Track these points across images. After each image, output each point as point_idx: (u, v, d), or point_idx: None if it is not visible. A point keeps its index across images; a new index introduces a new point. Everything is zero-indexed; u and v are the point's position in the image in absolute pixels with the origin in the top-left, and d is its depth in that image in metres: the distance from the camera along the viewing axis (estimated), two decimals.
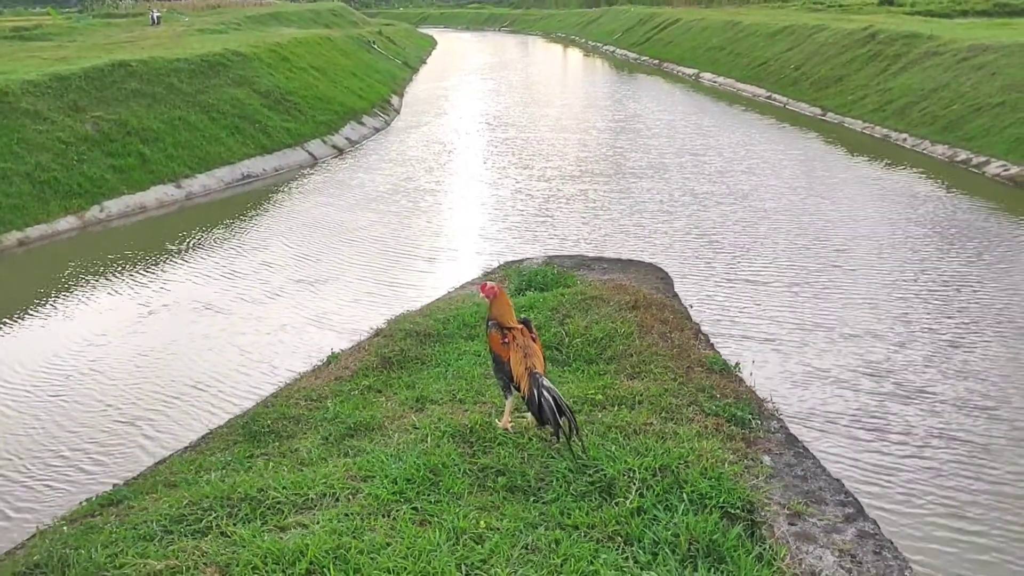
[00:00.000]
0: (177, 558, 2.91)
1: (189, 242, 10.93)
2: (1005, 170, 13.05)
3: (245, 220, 12.20)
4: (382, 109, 21.87)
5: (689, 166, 14.74)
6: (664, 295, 5.65)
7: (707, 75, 28.76)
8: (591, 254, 8.47)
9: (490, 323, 3.78)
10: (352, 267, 9.56)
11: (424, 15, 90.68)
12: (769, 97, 23.09)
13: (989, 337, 6.85)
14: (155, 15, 28.61)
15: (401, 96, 25.59)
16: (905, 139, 16.06)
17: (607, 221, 11.16)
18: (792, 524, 3.19)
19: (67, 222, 11.48)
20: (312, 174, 15.19)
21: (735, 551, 3.00)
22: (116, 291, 9.08)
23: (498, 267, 6.78)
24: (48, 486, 5.13)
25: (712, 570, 2.92)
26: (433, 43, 50.36)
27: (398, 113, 22.52)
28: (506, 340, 3.72)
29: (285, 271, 9.49)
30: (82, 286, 9.27)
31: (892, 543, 3.14)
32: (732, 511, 3.23)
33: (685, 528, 3.08)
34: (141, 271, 9.74)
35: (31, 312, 8.54)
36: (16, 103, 13.00)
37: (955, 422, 5.40)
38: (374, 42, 31.57)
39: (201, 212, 12.83)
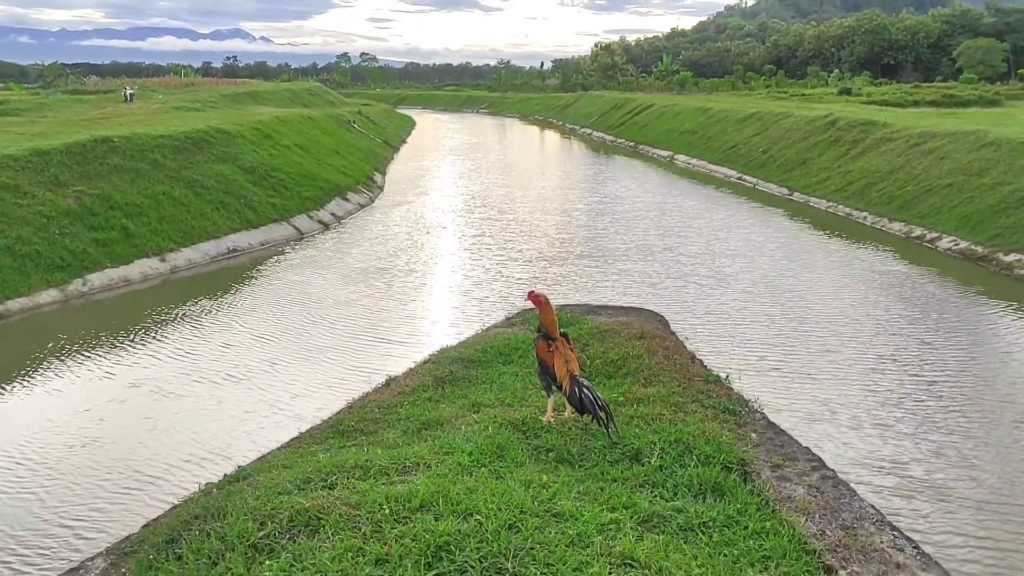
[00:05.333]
0: (317, 501, 4.17)
1: (166, 318, 11.43)
2: (955, 244, 15.34)
3: (226, 296, 12.80)
4: (366, 186, 23.67)
5: (675, 248, 15.93)
6: (663, 332, 7.24)
7: (681, 157, 31.69)
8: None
9: (539, 333, 5.24)
10: (328, 349, 10.08)
11: (402, 96, 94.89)
12: (740, 178, 25.77)
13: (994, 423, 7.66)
14: (128, 92, 30.55)
15: (384, 174, 27.58)
16: (865, 217, 18.44)
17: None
18: (773, 472, 4.66)
19: (49, 295, 12.03)
20: (297, 249, 16.33)
21: (733, 488, 4.44)
22: (84, 371, 9.42)
23: (516, 314, 8.29)
24: None
25: (717, 500, 4.33)
26: (412, 123, 53.29)
27: (382, 190, 24.36)
28: (551, 348, 5.18)
29: (257, 351, 9.94)
30: (50, 365, 9.59)
31: (846, 483, 4.61)
32: (729, 465, 4.68)
33: (696, 476, 4.52)
34: (114, 349, 10.12)
35: None
36: None
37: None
38: (354, 121, 33.89)
39: (184, 286, 13.49)
